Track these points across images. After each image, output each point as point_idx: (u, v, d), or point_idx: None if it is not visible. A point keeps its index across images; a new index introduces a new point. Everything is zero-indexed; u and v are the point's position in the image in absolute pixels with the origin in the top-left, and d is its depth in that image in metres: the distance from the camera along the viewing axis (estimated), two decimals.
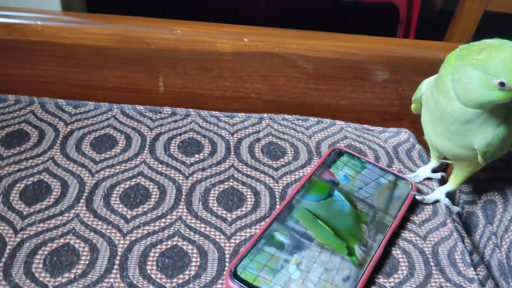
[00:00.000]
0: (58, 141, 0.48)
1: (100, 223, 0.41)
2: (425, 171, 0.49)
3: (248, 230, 0.42)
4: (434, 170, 0.50)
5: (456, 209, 0.47)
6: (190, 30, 0.51)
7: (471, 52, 0.36)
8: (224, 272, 0.38)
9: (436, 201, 0.47)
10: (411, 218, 0.45)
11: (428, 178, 0.50)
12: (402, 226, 0.44)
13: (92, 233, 0.40)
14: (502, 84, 0.34)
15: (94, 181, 0.44)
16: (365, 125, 0.55)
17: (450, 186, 0.47)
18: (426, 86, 0.42)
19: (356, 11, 0.97)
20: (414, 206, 0.46)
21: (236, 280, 0.36)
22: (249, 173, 0.47)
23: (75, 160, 0.46)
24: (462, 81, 0.36)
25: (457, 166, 0.45)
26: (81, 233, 0.40)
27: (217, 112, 0.54)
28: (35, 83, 0.53)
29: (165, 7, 0.76)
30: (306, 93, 0.56)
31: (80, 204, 0.42)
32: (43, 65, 0.52)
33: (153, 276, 0.37)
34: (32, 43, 0.51)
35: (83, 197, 0.43)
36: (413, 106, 0.45)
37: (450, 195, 0.56)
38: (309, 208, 0.42)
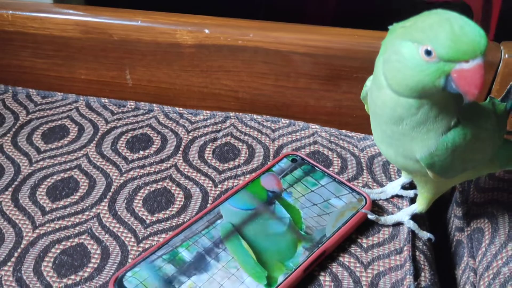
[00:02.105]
0: (13, 130, 0.48)
1: (17, 213, 0.39)
2: (393, 187, 0.41)
3: (163, 235, 0.38)
4: (409, 187, 0.42)
5: (425, 235, 0.39)
6: (150, 21, 0.49)
7: (402, 23, 0.29)
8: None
9: (399, 224, 0.39)
10: (359, 240, 0.38)
11: (399, 196, 0.42)
12: (344, 248, 0.37)
13: (5, 223, 0.39)
14: (428, 53, 0.26)
15: (30, 171, 0.43)
16: (343, 131, 0.48)
17: (417, 207, 0.39)
18: (371, 81, 0.35)
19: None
20: (368, 227, 0.39)
21: None
22: (189, 174, 0.43)
23: (20, 149, 0.45)
24: (390, 59, 0.29)
25: (416, 182, 0.37)
26: None
27: (181, 109, 0.50)
28: (13, 73, 0.54)
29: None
30: (280, 93, 0.50)
31: (6, 193, 0.41)
32: (17, 55, 0.53)
33: (44, 273, 0.35)
34: (5, 33, 0.52)
35: (12, 186, 0.42)
36: (366, 106, 0.38)
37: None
38: (236, 221, 0.37)
